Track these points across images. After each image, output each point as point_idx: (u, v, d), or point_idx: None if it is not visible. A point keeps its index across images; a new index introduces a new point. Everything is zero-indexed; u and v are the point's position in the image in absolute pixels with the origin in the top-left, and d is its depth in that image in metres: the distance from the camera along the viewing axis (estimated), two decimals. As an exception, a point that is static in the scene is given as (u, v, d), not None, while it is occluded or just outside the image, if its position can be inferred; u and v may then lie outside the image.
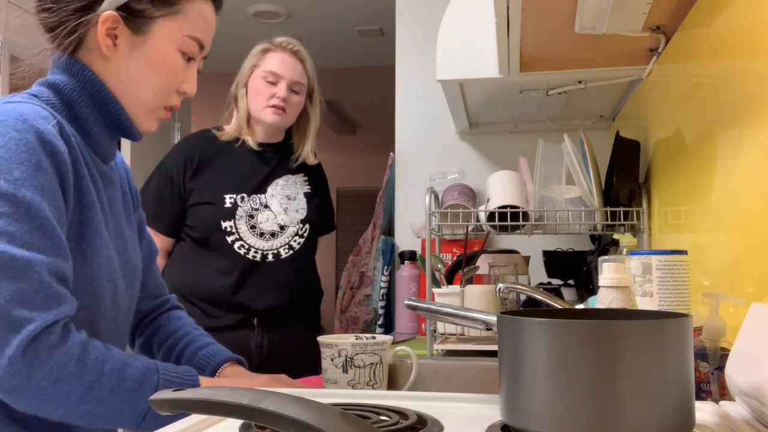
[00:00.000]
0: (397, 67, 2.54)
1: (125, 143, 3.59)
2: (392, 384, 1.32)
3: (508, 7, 1.29)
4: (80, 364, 0.85)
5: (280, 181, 1.88)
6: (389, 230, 2.49)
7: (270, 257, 1.82)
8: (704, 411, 0.77)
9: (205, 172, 1.85)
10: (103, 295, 0.96)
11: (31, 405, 0.85)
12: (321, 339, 1.15)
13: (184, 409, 0.53)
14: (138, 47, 0.97)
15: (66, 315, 0.86)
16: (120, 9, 0.95)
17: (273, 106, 1.83)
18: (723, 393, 0.85)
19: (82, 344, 0.87)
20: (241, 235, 1.81)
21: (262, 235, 1.82)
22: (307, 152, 1.91)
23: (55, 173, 0.88)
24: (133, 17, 0.96)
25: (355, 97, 5.58)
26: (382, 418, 0.72)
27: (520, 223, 1.72)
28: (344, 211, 7.28)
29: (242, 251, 1.80)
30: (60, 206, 0.88)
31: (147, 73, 0.99)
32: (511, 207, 1.72)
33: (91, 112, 0.98)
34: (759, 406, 0.68)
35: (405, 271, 2.23)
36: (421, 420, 0.71)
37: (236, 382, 1.12)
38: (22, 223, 0.83)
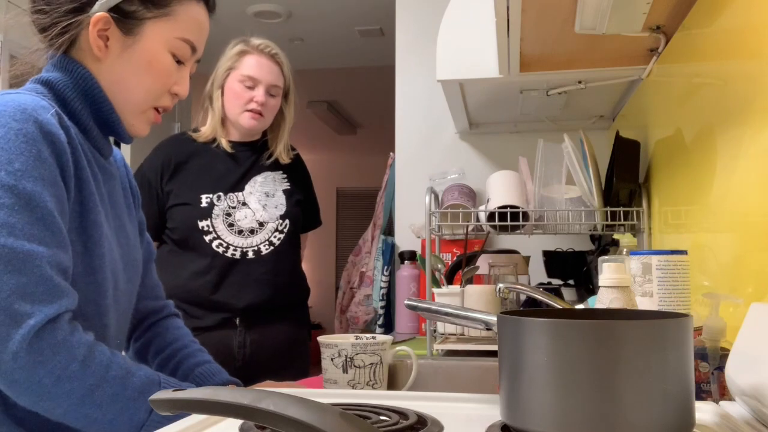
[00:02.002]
0: (397, 67, 2.54)
1: (125, 145, 3.59)
2: (392, 384, 1.32)
3: (508, 7, 1.29)
4: (84, 366, 0.85)
5: (258, 179, 1.88)
6: (389, 230, 2.49)
7: (250, 254, 1.81)
8: (704, 411, 0.77)
9: (182, 173, 1.85)
10: (107, 286, 0.97)
11: (31, 401, 0.85)
12: (321, 339, 1.15)
13: (184, 409, 0.53)
14: (129, 48, 0.98)
15: (68, 308, 0.86)
16: (111, 10, 0.96)
17: (251, 111, 1.84)
18: (723, 393, 0.85)
19: (88, 346, 0.87)
20: (219, 233, 1.80)
21: (240, 232, 1.82)
22: (281, 151, 1.91)
23: (56, 163, 0.88)
24: (124, 19, 0.97)
25: (355, 97, 5.58)
26: (382, 418, 0.72)
27: (520, 223, 1.72)
28: (344, 211, 7.27)
29: (220, 250, 1.79)
30: (61, 196, 0.89)
31: (138, 73, 0.99)
32: (511, 207, 1.72)
33: (84, 108, 0.98)
34: (759, 406, 0.68)
35: (405, 271, 2.23)
36: (421, 420, 0.71)
37: None
38: (23, 214, 0.84)
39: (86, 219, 0.94)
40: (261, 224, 1.84)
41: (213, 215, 1.81)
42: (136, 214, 1.16)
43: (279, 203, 1.88)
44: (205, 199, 1.82)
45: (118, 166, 1.11)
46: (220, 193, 1.83)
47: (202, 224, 1.80)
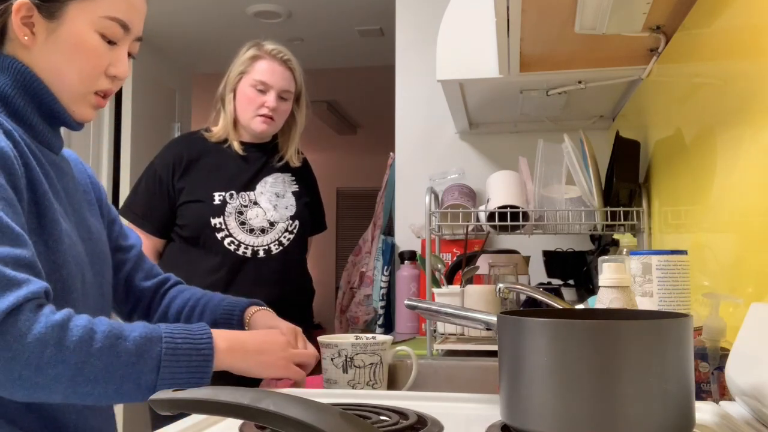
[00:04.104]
0: (397, 67, 2.54)
1: (125, 145, 3.59)
2: (392, 384, 1.32)
3: (508, 7, 1.29)
4: (60, 347, 0.82)
5: (269, 179, 1.91)
6: (389, 230, 2.49)
7: (261, 253, 1.83)
8: (704, 411, 0.77)
9: (194, 171, 1.87)
10: (73, 281, 0.95)
11: (23, 395, 0.83)
12: (321, 339, 1.15)
13: (184, 409, 0.53)
14: (53, 33, 0.96)
15: (28, 297, 0.83)
16: None
17: (262, 115, 1.86)
18: (723, 393, 0.85)
19: (59, 327, 0.83)
20: (231, 231, 1.82)
21: (251, 231, 1.84)
22: (291, 154, 1.95)
23: (2, 173, 0.87)
24: (46, 3, 0.95)
25: (355, 97, 5.58)
26: (382, 418, 0.72)
27: (520, 223, 1.72)
28: (344, 211, 7.27)
29: (232, 247, 1.81)
30: (7, 197, 0.87)
31: (67, 58, 0.97)
32: (511, 207, 1.72)
33: (27, 104, 0.97)
34: (759, 406, 0.68)
35: (405, 271, 2.23)
36: (421, 420, 0.71)
37: (257, 334, 1.12)
38: None
39: (44, 218, 0.93)
40: (271, 224, 1.86)
41: (226, 213, 1.83)
42: (104, 207, 1.16)
43: (289, 204, 1.91)
44: (218, 197, 1.84)
45: (73, 162, 1.10)
46: (233, 192, 1.85)
47: (215, 221, 1.82)
